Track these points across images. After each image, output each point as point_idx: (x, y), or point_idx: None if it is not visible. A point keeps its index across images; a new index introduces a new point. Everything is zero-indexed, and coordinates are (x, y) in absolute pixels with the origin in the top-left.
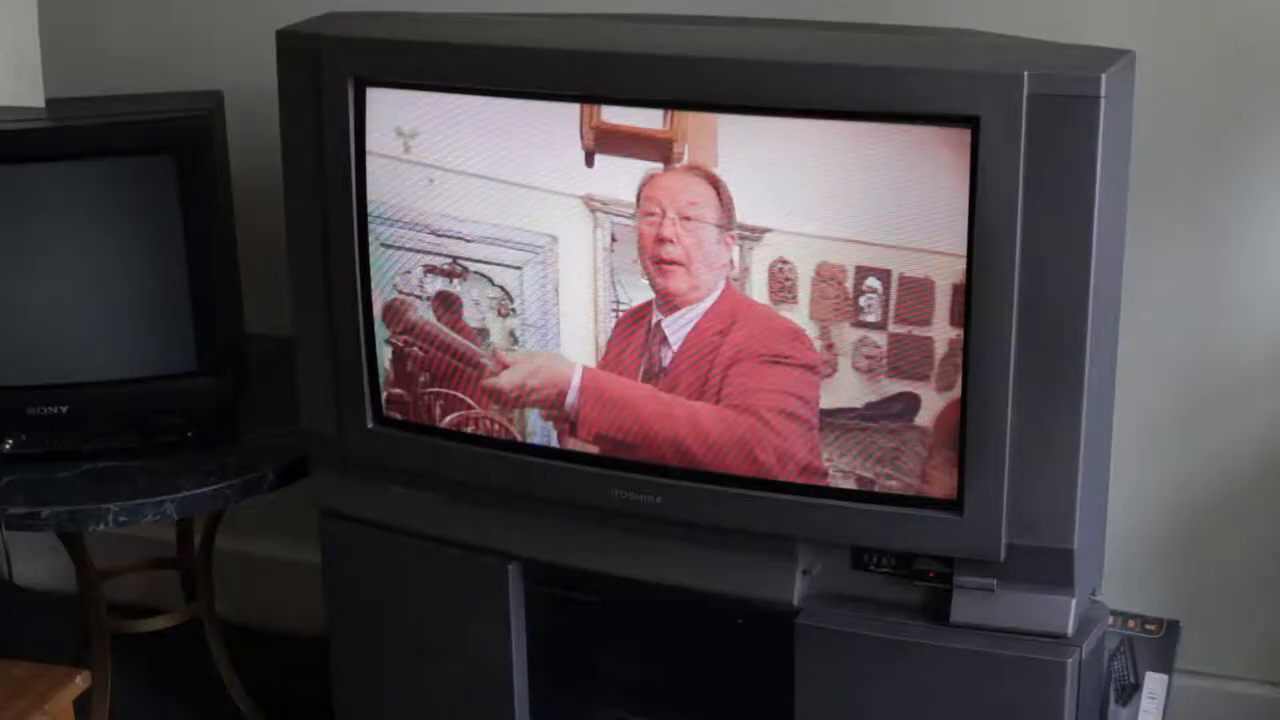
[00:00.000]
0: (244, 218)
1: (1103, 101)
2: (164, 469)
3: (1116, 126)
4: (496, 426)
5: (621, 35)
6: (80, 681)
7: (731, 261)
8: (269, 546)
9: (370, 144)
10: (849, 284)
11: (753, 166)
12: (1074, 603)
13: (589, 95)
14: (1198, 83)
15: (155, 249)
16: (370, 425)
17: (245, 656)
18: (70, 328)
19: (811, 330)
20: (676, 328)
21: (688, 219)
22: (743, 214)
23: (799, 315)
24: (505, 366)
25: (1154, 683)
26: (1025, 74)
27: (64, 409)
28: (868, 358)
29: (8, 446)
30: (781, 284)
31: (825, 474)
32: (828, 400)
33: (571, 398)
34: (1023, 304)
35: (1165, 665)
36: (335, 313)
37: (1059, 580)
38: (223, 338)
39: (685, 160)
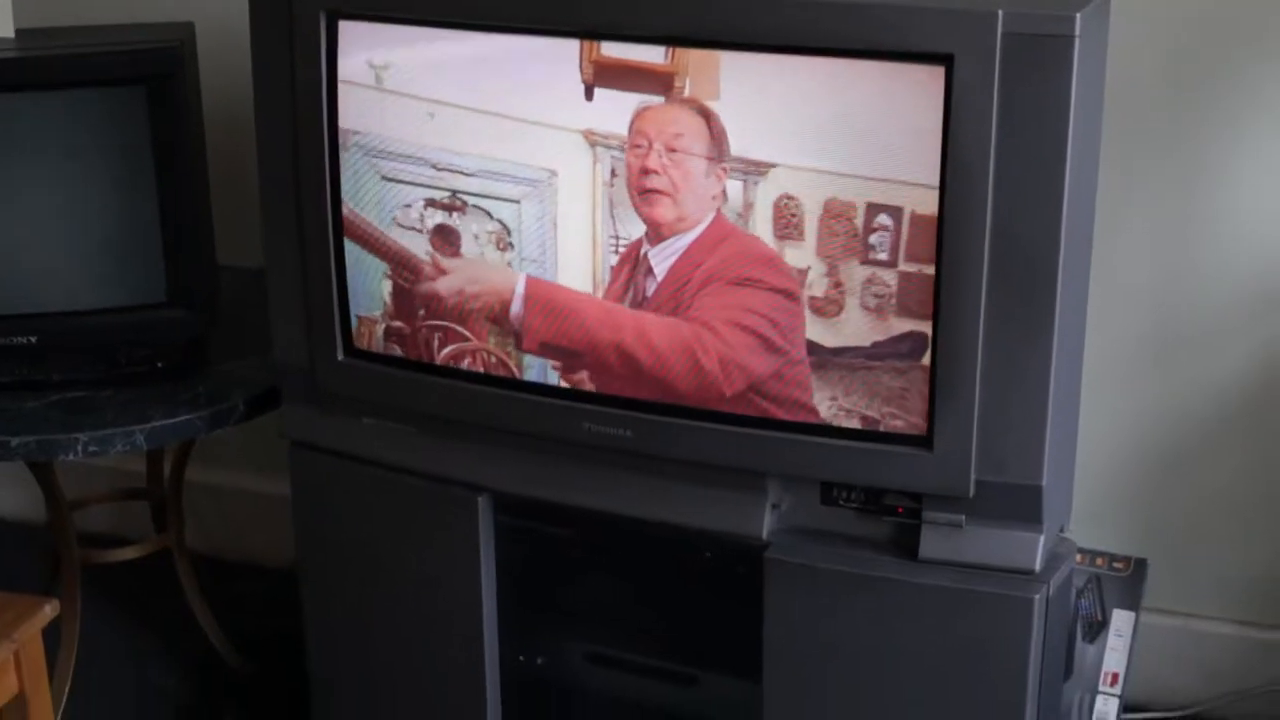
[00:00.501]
0: (216, 149)
1: (1077, 41)
2: (134, 399)
3: (1091, 65)
4: (494, 360)
5: None
6: (49, 611)
7: (724, 193)
8: (239, 478)
9: (344, 75)
10: (859, 221)
11: (755, 101)
12: (1042, 539)
13: (577, 32)
14: (1173, 21)
15: (126, 179)
16: (340, 357)
17: (215, 587)
18: (40, 257)
19: (818, 268)
20: (662, 258)
21: (674, 150)
22: (744, 148)
23: (804, 252)
24: (444, 273)
25: (1121, 620)
26: (1000, 12)
27: (33, 339)
28: (876, 296)
29: None
30: (787, 220)
31: (815, 410)
32: (833, 339)
33: (516, 307)
34: (995, 240)
35: (1132, 603)
36: (306, 244)
37: (1027, 516)
38: (193, 268)
39: (687, 94)
